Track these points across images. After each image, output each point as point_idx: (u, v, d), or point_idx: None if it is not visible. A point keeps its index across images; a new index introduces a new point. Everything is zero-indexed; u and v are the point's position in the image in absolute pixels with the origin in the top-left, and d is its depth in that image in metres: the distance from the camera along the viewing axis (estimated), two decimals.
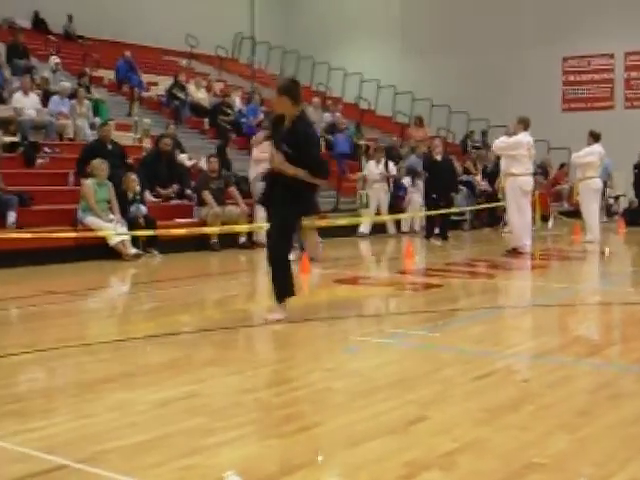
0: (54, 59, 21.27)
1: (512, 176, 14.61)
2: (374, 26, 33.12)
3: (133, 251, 14.16)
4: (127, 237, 14.21)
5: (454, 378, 5.72)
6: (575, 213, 20.51)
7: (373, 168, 19.96)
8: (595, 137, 17.25)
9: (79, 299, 10.34)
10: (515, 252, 14.49)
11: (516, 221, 14.70)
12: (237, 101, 23.84)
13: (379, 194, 19.80)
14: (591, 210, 17.31)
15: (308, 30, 33.98)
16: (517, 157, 14.54)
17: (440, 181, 18.31)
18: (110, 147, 15.95)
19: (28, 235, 12.71)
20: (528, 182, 14.74)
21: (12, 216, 13.75)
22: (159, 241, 14.83)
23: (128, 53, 23.78)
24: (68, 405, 5.18)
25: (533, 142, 14.83)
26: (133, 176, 15.39)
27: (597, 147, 17.19)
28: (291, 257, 13.36)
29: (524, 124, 14.64)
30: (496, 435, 4.39)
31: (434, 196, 18.44)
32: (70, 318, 8.93)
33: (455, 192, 20.00)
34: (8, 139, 16.43)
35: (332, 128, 24.22)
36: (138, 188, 15.49)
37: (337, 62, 31.60)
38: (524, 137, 14.58)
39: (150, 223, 14.86)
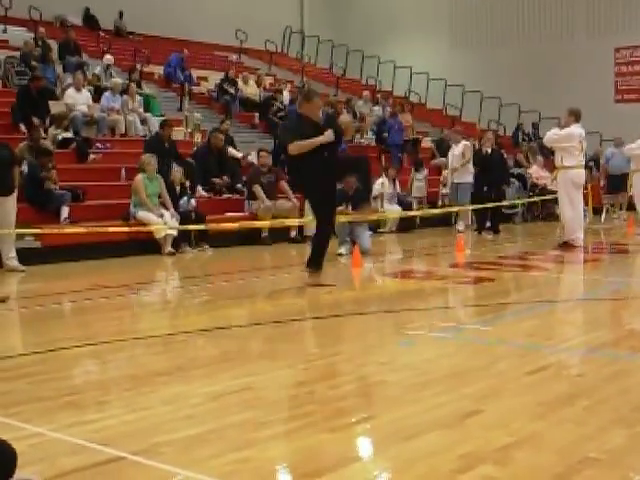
0: (107, 58, 21.34)
1: (564, 169, 14.46)
2: (423, 19, 33.02)
3: (169, 249, 14.23)
4: (173, 232, 14.30)
5: (508, 372, 5.69)
6: (628, 205, 20.29)
7: (388, 187, 19.02)
8: None
9: (132, 293, 10.43)
10: (567, 245, 14.36)
11: (568, 214, 14.55)
12: (285, 95, 23.86)
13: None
14: None
15: (357, 23, 33.95)
16: (569, 149, 14.37)
17: (491, 174, 18.18)
18: (167, 145, 16.08)
19: (82, 230, 12.85)
20: (580, 175, 14.58)
21: (65, 211, 13.90)
22: (210, 235, 14.90)
23: (186, 51, 23.99)
24: (123, 398, 5.22)
25: (585, 134, 14.67)
26: (178, 168, 15.46)
27: None
28: (342, 251, 13.51)
29: (575, 116, 14.46)
30: (552, 430, 4.35)
31: (485, 189, 18.33)
32: (124, 312, 9.02)
33: (506, 185, 19.85)
34: (61, 135, 16.58)
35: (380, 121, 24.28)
36: (188, 182, 15.60)
37: (386, 55, 31.53)
38: (576, 129, 14.40)
39: (199, 218, 14.93)
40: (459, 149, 18.79)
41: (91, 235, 12.91)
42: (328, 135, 9.87)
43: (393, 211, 18.75)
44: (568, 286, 11.09)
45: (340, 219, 13.96)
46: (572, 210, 14.50)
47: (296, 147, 9.83)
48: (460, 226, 19.17)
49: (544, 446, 4.10)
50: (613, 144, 22.52)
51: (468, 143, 19.26)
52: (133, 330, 7.86)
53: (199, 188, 16.43)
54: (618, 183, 21.32)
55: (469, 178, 18.74)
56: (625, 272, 12.15)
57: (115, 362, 6.45)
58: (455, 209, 19.82)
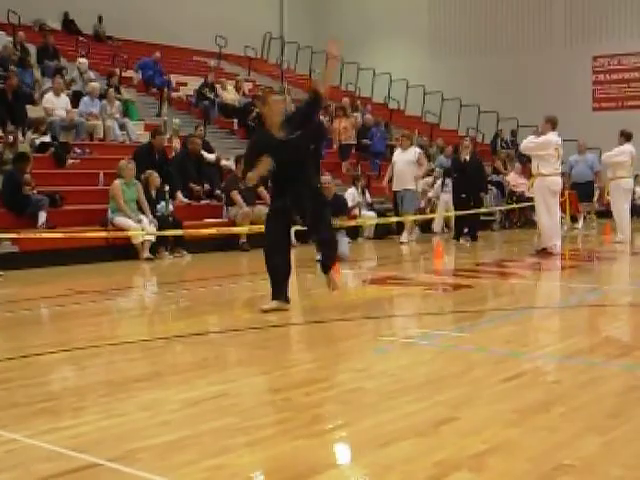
0: (82, 61, 21.31)
1: (541, 176, 14.53)
2: (403, 26, 33.13)
3: (147, 254, 14.22)
4: (150, 238, 14.29)
5: (484, 379, 5.71)
6: (606, 213, 20.40)
7: (357, 196, 18.93)
8: (626, 136, 17.20)
9: (109, 299, 10.42)
10: (545, 252, 14.42)
11: (545, 221, 14.62)
12: None
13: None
14: (622, 210, 17.23)
15: (337, 30, 33.95)
16: (545, 157, 14.43)
17: (469, 181, 18.23)
18: (157, 157, 16.06)
19: (59, 235, 12.82)
20: (557, 182, 14.65)
21: (43, 216, 13.85)
22: (189, 241, 14.88)
23: (158, 54, 23.92)
24: (99, 404, 5.21)
25: (562, 142, 14.74)
26: (155, 174, 15.44)
27: (628, 147, 17.13)
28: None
29: (552, 123, 14.54)
30: (526, 437, 4.37)
31: (463, 196, 18.38)
32: (101, 317, 8.99)
33: (484, 192, 19.92)
34: (39, 139, 16.53)
35: (362, 128, 24.30)
36: (167, 187, 15.60)
37: (366, 62, 31.60)
38: (552, 137, 14.48)
39: (176, 223, 14.91)
40: (410, 156, 17.92)
41: (69, 240, 12.88)
42: (265, 163, 8.38)
43: (370, 217, 18.79)
44: (545, 293, 11.13)
45: None
46: (549, 217, 14.57)
47: (251, 178, 8.62)
48: (404, 238, 18.08)
49: (518, 453, 4.12)
50: (577, 151, 22.32)
51: (421, 150, 18.64)
52: (110, 336, 7.83)
53: (178, 194, 16.42)
54: (582, 191, 21.48)
55: (415, 185, 18.21)
56: (602, 279, 12.21)
57: (92, 368, 6.43)
58: (435, 215, 19.87)
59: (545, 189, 14.47)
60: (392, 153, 23.79)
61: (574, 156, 22.37)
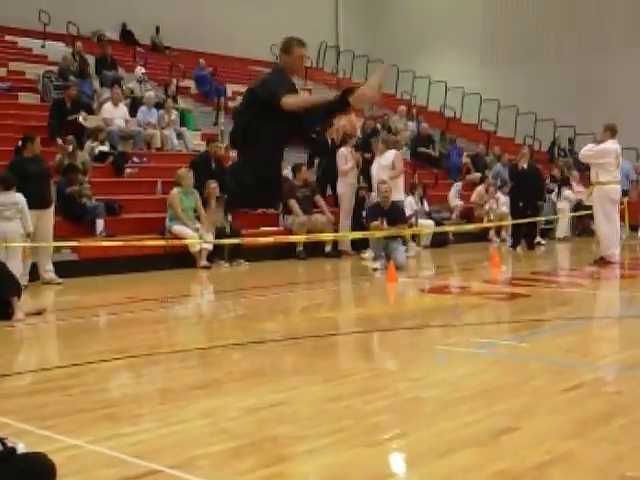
0: (140, 70, 21.58)
1: (600, 184, 14.37)
2: (458, 34, 32.96)
3: (204, 263, 14.27)
4: (208, 246, 14.35)
5: (543, 389, 5.66)
6: None
7: (414, 205, 18.18)
8: None
9: (167, 307, 10.48)
10: (604, 261, 14.25)
11: (604, 230, 14.45)
12: None
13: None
14: None
15: (392, 38, 33.96)
16: (604, 165, 14.27)
17: (526, 190, 18.09)
18: (214, 165, 16.10)
19: (118, 243, 12.93)
20: (616, 190, 14.48)
21: (100, 224, 13.97)
22: (246, 250, 14.92)
23: (202, 61, 24.11)
24: (159, 411, 5.25)
25: (621, 150, 14.57)
26: (214, 184, 15.50)
27: None
28: (377, 265, 13.50)
29: (611, 131, 14.37)
30: (587, 448, 4.33)
31: (521, 205, 18.25)
32: (159, 325, 9.06)
33: (542, 200, 19.74)
34: (98, 148, 16.70)
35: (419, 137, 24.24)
36: (225, 197, 15.65)
37: (421, 70, 31.49)
38: (611, 145, 14.31)
39: (234, 232, 14.96)
40: (387, 159, 15.63)
41: (127, 248, 12.98)
42: (337, 101, 6.53)
43: (427, 226, 18.67)
44: (604, 303, 11.01)
45: (375, 234, 13.96)
46: (608, 226, 14.40)
47: (296, 101, 6.72)
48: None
49: (580, 464, 4.08)
50: None
51: (399, 152, 16.55)
52: (168, 344, 7.89)
53: None
54: None
55: (400, 196, 15.60)
56: None
57: (150, 375, 6.49)
58: (493, 224, 19.71)
59: (604, 198, 14.31)
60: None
61: None
